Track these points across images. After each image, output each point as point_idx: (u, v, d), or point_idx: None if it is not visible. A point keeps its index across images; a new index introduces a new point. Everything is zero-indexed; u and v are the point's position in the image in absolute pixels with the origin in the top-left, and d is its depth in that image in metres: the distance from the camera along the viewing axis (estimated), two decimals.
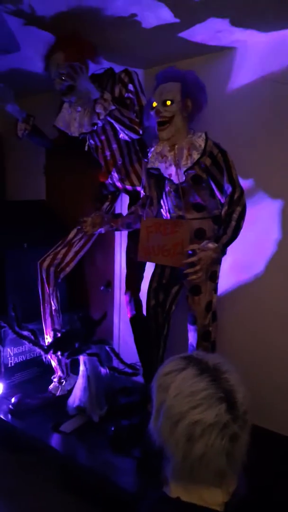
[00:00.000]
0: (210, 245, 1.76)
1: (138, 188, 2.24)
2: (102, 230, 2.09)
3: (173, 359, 0.93)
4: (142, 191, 2.10)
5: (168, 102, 1.81)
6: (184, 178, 1.84)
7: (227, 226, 1.78)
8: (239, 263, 2.13)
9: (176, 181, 1.87)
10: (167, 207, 2.00)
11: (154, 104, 1.85)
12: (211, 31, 1.86)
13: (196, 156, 1.80)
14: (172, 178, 1.89)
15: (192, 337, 1.96)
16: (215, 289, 1.94)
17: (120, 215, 2.22)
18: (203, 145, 1.80)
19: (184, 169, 1.82)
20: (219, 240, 1.78)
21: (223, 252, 1.81)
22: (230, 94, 2.10)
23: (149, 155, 1.95)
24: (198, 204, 1.89)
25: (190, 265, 1.76)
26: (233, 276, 2.16)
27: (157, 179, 1.98)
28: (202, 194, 1.87)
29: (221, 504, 0.85)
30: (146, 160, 1.98)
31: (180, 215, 1.93)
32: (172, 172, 1.88)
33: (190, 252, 1.79)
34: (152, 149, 1.94)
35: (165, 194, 1.98)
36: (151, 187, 2.02)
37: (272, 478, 1.72)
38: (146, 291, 2.10)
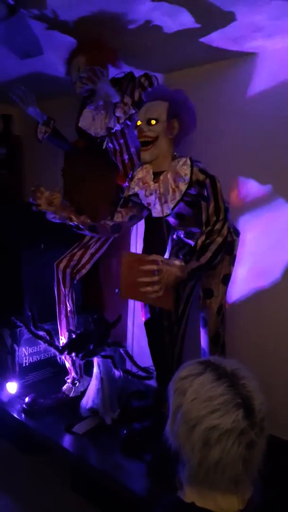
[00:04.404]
0: (177, 262, 1.63)
1: None
2: (57, 218, 1.81)
3: (190, 363, 0.93)
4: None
5: (153, 121, 1.71)
6: (169, 211, 1.75)
7: (201, 255, 1.60)
8: (256, 270, 2.11)
9: (159, 215, 1.77)
10: None
11: (139, 122, 1.76)
12: (232, 36, 1.85)
13: (183, 187, 1.70)
14: (151, 207, 1.78)
15: (203, 341, 1.95)
16: (225, 293, 1.92)
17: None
18: (189, 174, 1.69)
19: (172, 205, 1.73)
20: (187, 262, 1.63)
21: (191, 277, 1.63)
22: (250, 99, 2.09)
23: (129, 177, 1.86)
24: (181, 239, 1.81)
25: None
26: (250, 283, 2.14)
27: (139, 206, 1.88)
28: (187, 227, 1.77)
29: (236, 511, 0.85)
30: (126, 184, 1.88)
31: None
32: (151, 202, 1.79)
33: (156, 271, 1.60)
34: (135, 173, 1.85)
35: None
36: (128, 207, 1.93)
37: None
38: None
